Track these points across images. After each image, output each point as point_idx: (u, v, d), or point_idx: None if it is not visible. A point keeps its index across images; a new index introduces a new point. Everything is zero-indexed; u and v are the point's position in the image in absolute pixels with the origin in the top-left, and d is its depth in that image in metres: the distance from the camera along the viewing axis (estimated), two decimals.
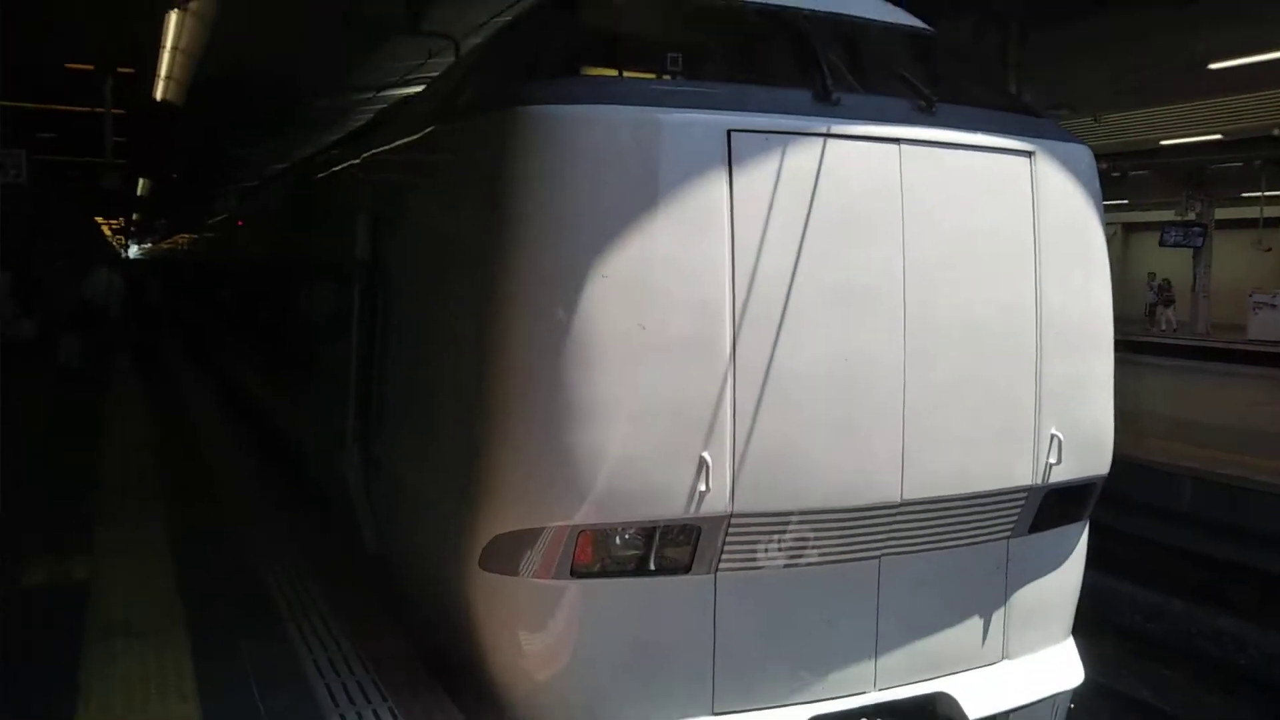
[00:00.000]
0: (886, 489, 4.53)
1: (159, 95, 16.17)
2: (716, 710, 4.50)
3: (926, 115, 4.68)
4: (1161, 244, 30.21)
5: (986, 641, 5.10)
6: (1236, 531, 10.09)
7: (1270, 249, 27.34)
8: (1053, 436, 4.92)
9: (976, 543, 4.96)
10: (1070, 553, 5.44)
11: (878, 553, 4.68)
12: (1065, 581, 5.46)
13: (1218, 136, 19.88)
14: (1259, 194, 26.44)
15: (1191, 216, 30.22)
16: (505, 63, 5.32)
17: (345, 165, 7.61)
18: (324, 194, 8.41)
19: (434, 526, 4.83)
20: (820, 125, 4.41)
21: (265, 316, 10.51)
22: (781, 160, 4.33)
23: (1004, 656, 5.16)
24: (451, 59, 16.64)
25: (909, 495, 4.57)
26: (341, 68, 18.57)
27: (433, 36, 15.66)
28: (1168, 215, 31.72)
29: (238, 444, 10.94)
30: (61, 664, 4.94)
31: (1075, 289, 5.05)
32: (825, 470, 4.43)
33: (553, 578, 4.29)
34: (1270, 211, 27.51)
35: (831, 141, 4.41)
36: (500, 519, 4.25)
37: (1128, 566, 10.90)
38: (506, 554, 4.28)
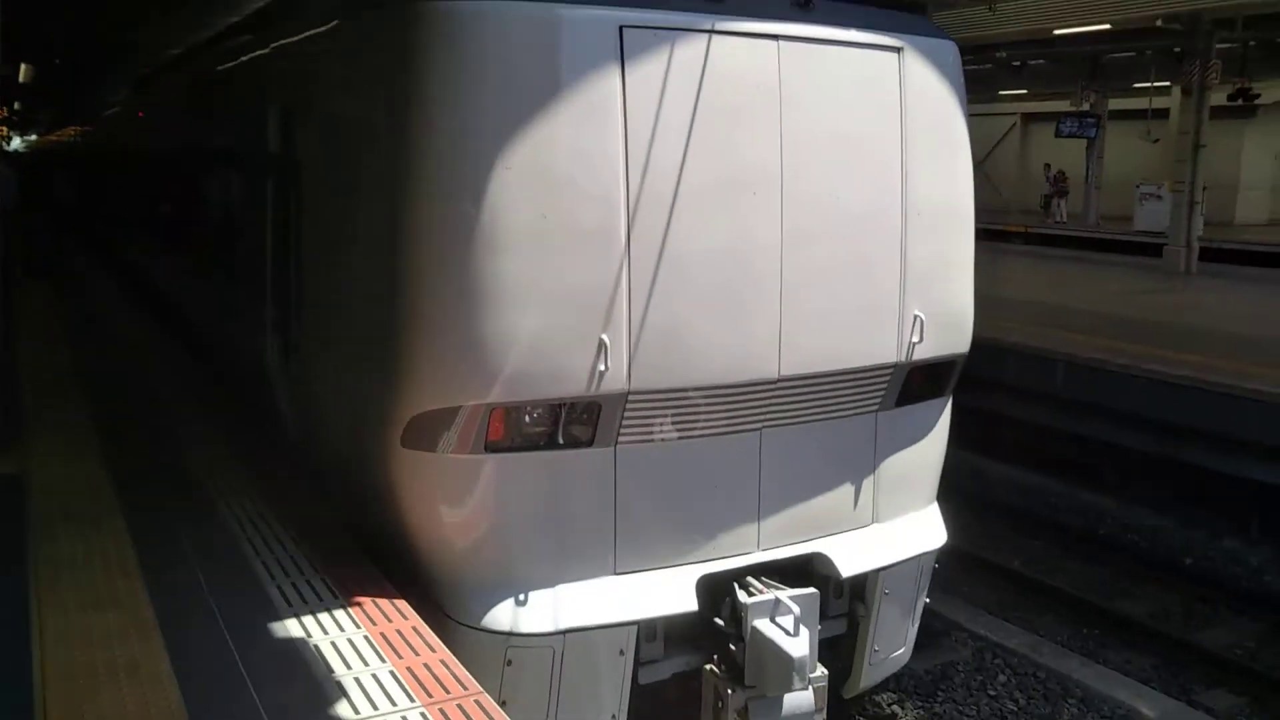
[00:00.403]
0: (766, 366, 5.06)
1: None
2: (618, 570, 5.06)
3: (804, 12, 5.07)
4: (1057, 134, 30.99)
5: (858, 506, 5.72)
6: (1101, 410, 11.00)
7: (1158, 140, 28.35)
8: (916, 316, 5.48)
9: (847, 416, 5.54)
10: (934, 426, 6.06)
11: (759, 425, 5.24)
12: (929, 452, 6.10)
13: (1106, 26, 20.47)
14: (1149, 84, 27.16)
15: (1086, 107, 31.17)
16: None
17: (252, 55, 7.67)
18: (231, 83, 8.45)
19: (356, 410, 5.21)
20: (706, 22, 4.79)
21: (175, 210, 10.54)
22: (670, 55, 4.71)
23: (874, 520, 5.80)
24: None
25: (785, 371, 5.11)
26: None
27: None
28: (1065, 106, 32.57)
29: (151, 337, 11.03)
30: (8, 549, 5.25)
31: (938, 178, 5.55)
32: (712, 350, 4.93)
33: (469, 453, 4.75)
34: (1160, 103, 28.30)
35: (716, 38, 4.79)
36: (419, 400, 4.67)
37: (1004, 445, 11.87)
38: (426, 432, 4.71)
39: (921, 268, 5.50)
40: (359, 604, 4.69)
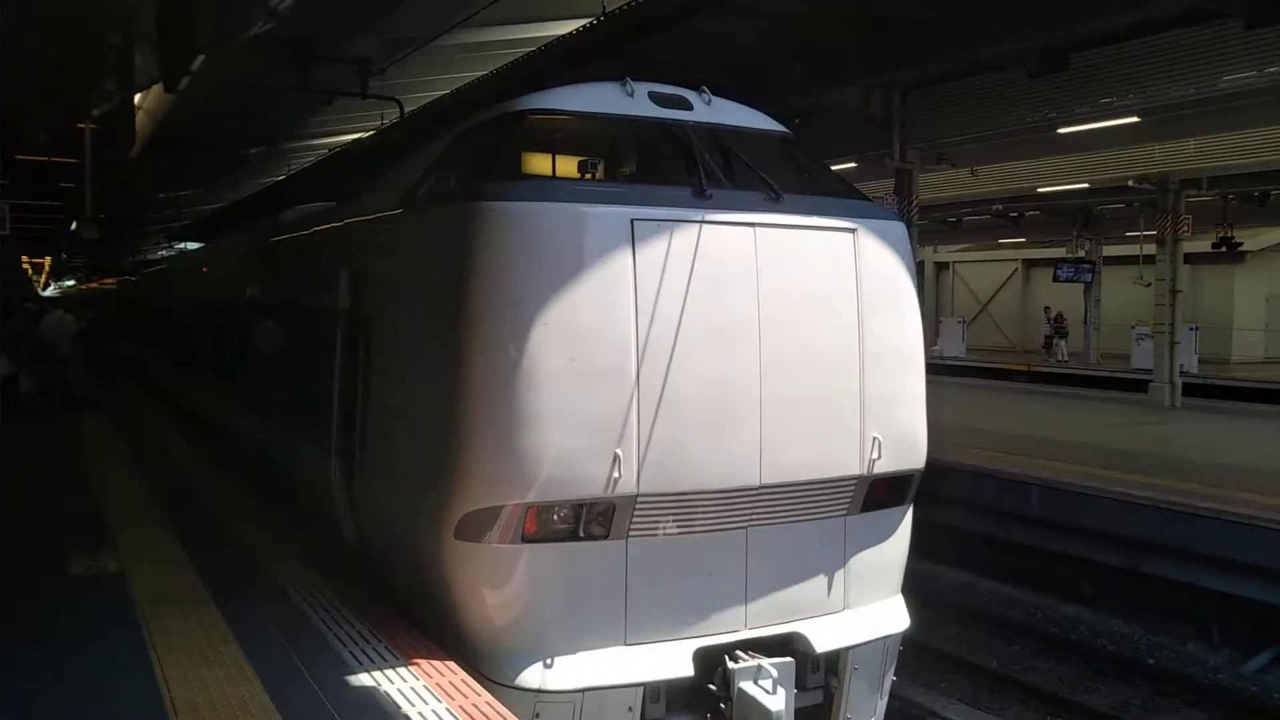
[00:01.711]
0: (749, 476, 6.24)
1: (133, 153, 17.39)
2: (628, 641, 6.13)
3: (775, 204, 6.46)
4: (1055, 280, 32.61)
5: (831, 594, 6.79)
6: (1074, 529, 12.03)
7: (1150, 284, 29.84)
8: (874, 438, 6.65)
9: (820, 518, 6.67)
10: (896, 529, 7.15)
11: (745, 524, 6.38)
12: (893, 551, 7.18)
13: (1085, 185, 22.21)
14: (1139, 233, 28.77)
15: (1081, 254, 32.84)
16: (465, 164, 6.96)
17: (326, 229, 9.18)
18: (303, 252, 9.94)
19: (418, 510, 6.37)
20: (698, 214, 6.17)
21: (245, 355, 11.91)
22: (670, 239, 6.08)
23: (845, 606, 6.85)
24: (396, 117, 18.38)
25: (766, 480, 6.29)
26: (292, 123, 20.04)
27: (381, 99, 17.29)
28: (1063, 253, 34.24)
29: (212, 462, 12.32)
30: (128, 624, 6.39)
31: (889, 328, 6.81)
32: (704, 462, 6.12)
33: (509, 543, 5.92)
34: (1150, 250, 29.81)
35: (706, 226, 6.17)
36: (470, 499, 5.86)
37: (986, 561, 12.89)
38: (475, 526, 5.89)
39: (878, 399, 6.69)
40: (417, 663, 5.79)
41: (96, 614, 6.63)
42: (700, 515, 6.25)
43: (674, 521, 6.20)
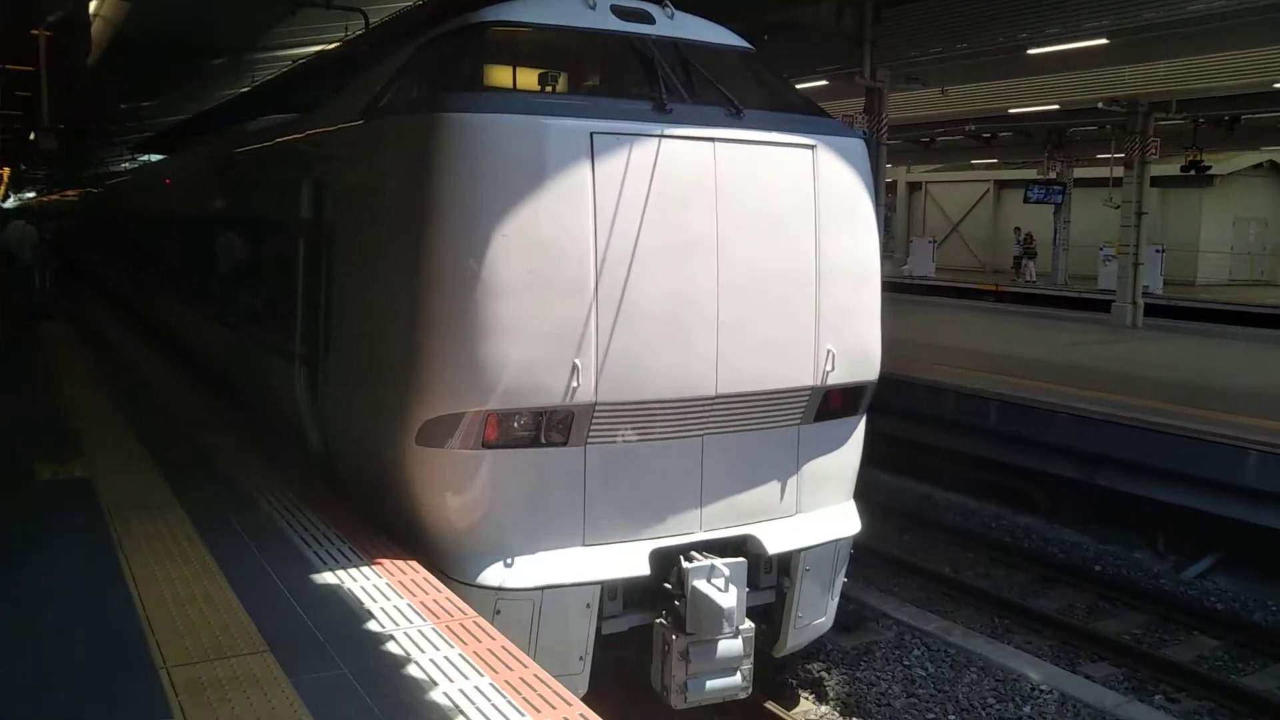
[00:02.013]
0: (705, 385, 6.38)
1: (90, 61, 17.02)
2: (586, 542, 6.34)
3: (735, 119, 6.49)
4: (1025, 201, 32.78)
5: (784, 500, 7.00)
6: (1030, 442, 12.37)
7: (1118, 206, 30.04)
8: (828, 350, 6.80)
9: (774, 427, 6.86)
10: (849, 438, 7.35)
11: (701, 432, 6.54)
12: (846, 459, 7.39)
13: (1055, 106, 22.20)
14: (1110, 155, 28.83)
15: (1053, 175, 32.94)
16: (426, 75, 6.93)
17: (289, 140, 9.12)
18: (266, 163, 9.88)
19: (380, 418, 6.48)
20: (656, 128, 6.21)
21: (210, 263, 11.88)
22: (629, 153, 6.12)
23: (798, 511, 7.07)
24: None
25: (721, 390, 6.43)
26: (254, 32, 19.65)
27: (344, 10, 16.97)
28: (1035, 174, 34.31)
29: (178, 370, 12.39)
30: (96, 528, 6.51)
31: (846, 245, 6.91)
32: (662, 372, 6.26)
33: (470, 449, 6.06)
34: (1120, 172, 29.92)
35: (665, 140, 6.21)
36: (432, 407, 5.99)
37: (946, 475, 13.24)
38: (436, 433, 6.02)
39: (832, 313, 6.81)
40: (380, 563, 5.96)
41: (64, 518, 6.74)
42: (657, 423, 6.41)
43: (631, 429, 6.35)
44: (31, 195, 66.54)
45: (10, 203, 62.49)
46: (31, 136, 25.77)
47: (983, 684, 7.97)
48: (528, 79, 7.22)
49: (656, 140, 6.17)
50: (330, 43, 20.62)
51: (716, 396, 6.45)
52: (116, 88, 24.35)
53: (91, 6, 16.15)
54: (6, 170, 51.47)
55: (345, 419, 7.19)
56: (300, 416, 7.85)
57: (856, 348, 7.05)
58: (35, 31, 16.46)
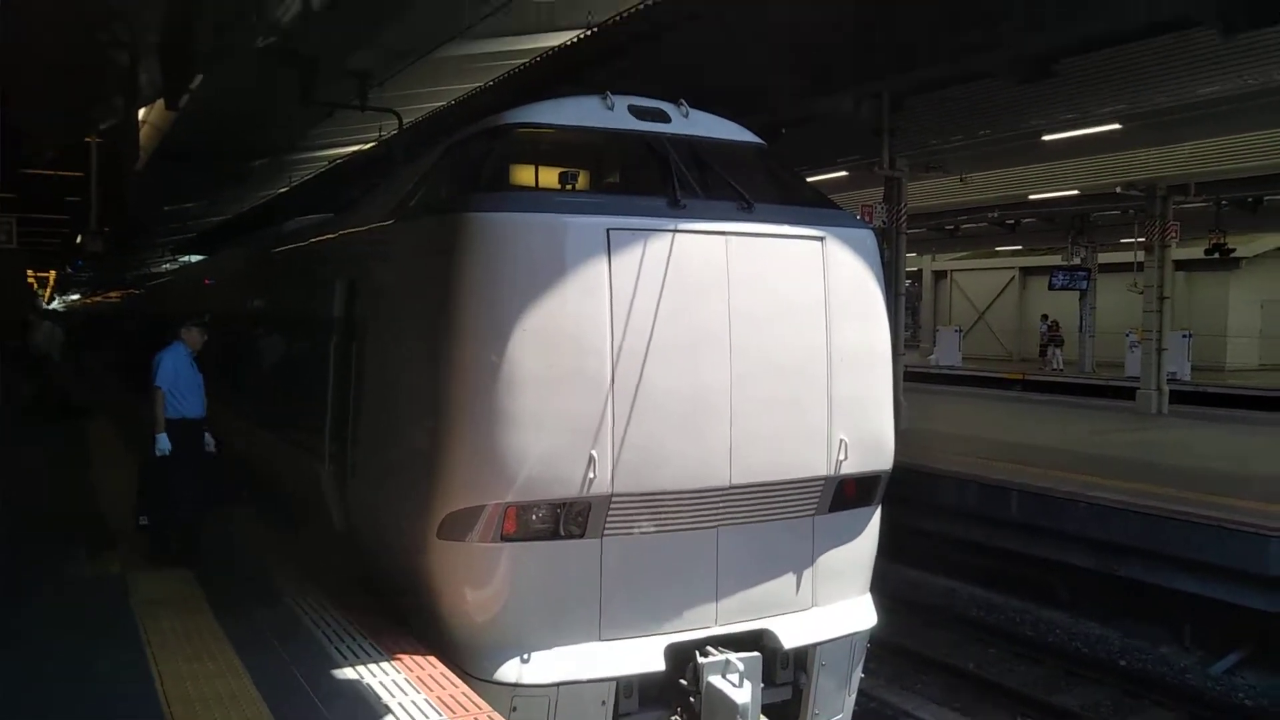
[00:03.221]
0: (719, 475, 6.49)
1: (138, 166, 17.75)
2: (603, 637, 6.39)
3: (747, 213, 6.74)
4: (1050, 287, 32.76)
5: (799, 592, 7.03)
6: (1050, 533, 12.30)
7: (1143, 291, 30.08)
8: (841, 440, 6.92)
9: (789, 518, 6.93)
10: (864, 529, 7.40)
11: (716, 524, 6.64)
12: (861, 550, 7.42)
13: (1075, 191, 22.49)
14: (1133, 240, 28.91)
15: (1077, 261, 33.04)
16: (454, 176, 7.26)
17: (323, 239, 9.49)
18: (301, 262, 10.25)
19: (403, 510, 6.64)
20: (670, 224, 6.45)
21: (241, 358, 12.23)
22: (645, 247, 6.36)
23: (814, 604, 7.08)
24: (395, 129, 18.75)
25: (735, 481, 6.54)
26: (293, 135, 20.45)
27: (380, 111, 17.67)
28: (1060, 260, 34.41)
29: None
30: (125, 624, 6.67)
31: (857, 334, 7.06)
32: (676, 463, 6.39)
33: (490, 542, 6.19)
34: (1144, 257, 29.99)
35: (679, 235, 6.45)
36: (453, 500, 6.14)
37: (967, 568, 13.17)
38: (457, 526, 6.17)
39: (845, 402, 6.94)
40: (399, 658, 6.08)
41: (96, 614, 6.91)
42: (673, 515, 6.51)
43: (648, 521, 6.46)
44: (75, 297, 68.29)
45: (55, 304, 64.09)
46: (78, 240, 26.71)
47: None
48: (549, 177, 7.53)
49: (670, 235, 6.41)
50: (365, 143, 21.41)
51: (731, 487, 6.56)
52: (161, 191, 25.30)
53: (140, 114, 16.92)
54: (53, 273, 53.02)
55: (371, 513, 7.35)
56: (327, 511, 8.03)
57: (869, 436, 7.15)
58: (87, 139, 17.25)
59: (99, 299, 53.30)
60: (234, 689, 5.60)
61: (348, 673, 5.85)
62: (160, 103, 15.93)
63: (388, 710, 5.30)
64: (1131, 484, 12.42)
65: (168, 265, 41.67)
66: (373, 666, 5.94)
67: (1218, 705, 9.78)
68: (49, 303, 60.82)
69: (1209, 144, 18.61)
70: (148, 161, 18.68)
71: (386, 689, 5.60)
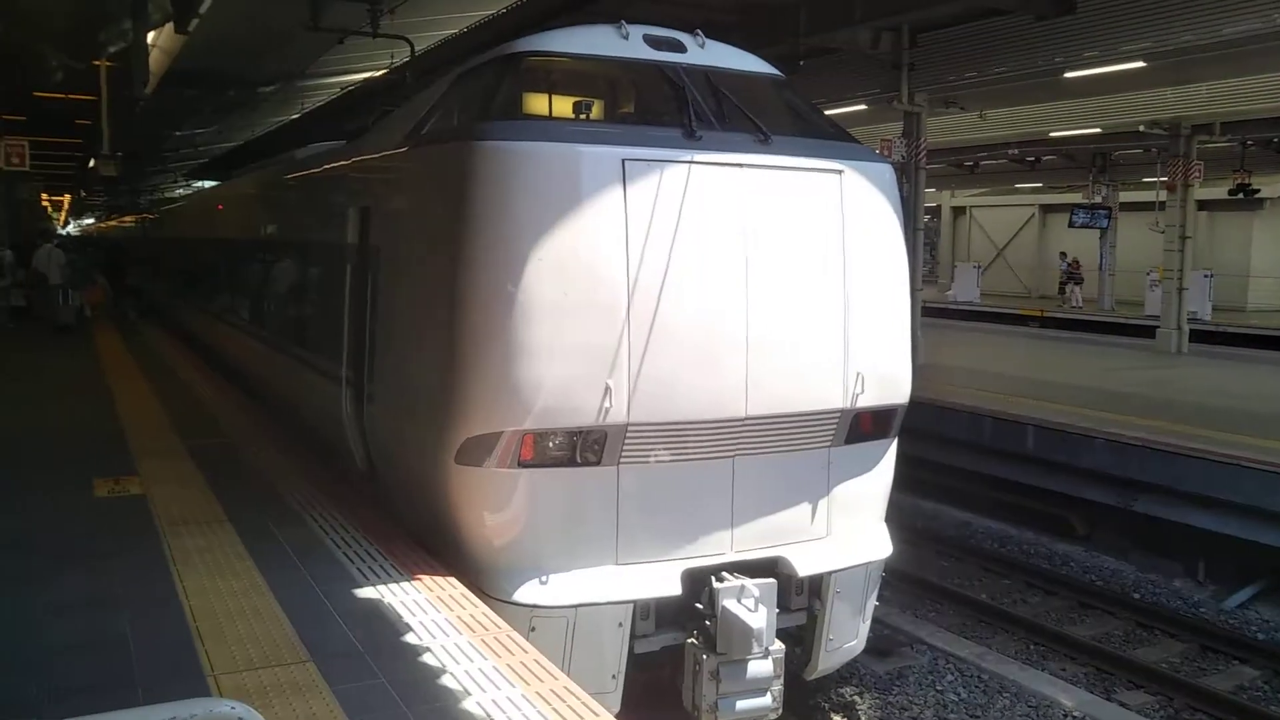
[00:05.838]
0: (735, 406, 6.51)
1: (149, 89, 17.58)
2: (619, 561, 6.47)
3: (763, 145, 6.65)
4: (1070, 225, 32.48)
5: (814, 522, 7.08)
6: (1066, 468, 12.33)
7: (1164, 230, 29.73)
8: (857, 373, 6.91)
9: (805, 449, 6.95)
10: (880, 460, 7.42)
11: (732, 453, 6.66)
12: (877, 482, 7.45)
13: (1097, 130, 22.14)
14: (1155, 179, 28.50)
15: (1098, 199, 32.65)
16: (466, 104, 7.18)
17: (336, 166, 9.43)
18: (314, 189, 10.20)
19: (421, 438, 6.70)
20: (686, 155, 6.38)
21: (258, 284, 12.26)
22: (660, 179, 6.30)
23: (828, 534, 7.14)
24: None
25: (751, 411, 6.56)
26: (303, 61, 20.21)
27: (392, 38, 17.41)
28: (1080, 198, 34.00)
29: (225, 379, 12.73)
30: (150, 542, 6.76)
31: (874, 268, 7.02)
32: (693, 393, 6.40)
33: (507, 468, 6.23)
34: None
35: (695, 166, 6.38)
36: (470, 427, 6.17)
37: (983, 501, 13.23)
38: (474, 452, 6.21)
39: (861, 335, 6.92)
40: (420, 578, 6.15)
41: (121, 532, 7.01)
42: (688, 444, 6.54)
43: (664, 450, 6.49)
44: (89, 221, 68.35)
45: (70, 228, 64.23)
46: (91, 164, 26.67)
47: (1015, 710, 7.98)
48: (563, 107, 7.44)
49: (686, 166, 6.35)
50: (377, 68, 21.15)
51: (747, 418, 6.58)
52: (172, 116, 25.14)
53: (150, 37, 16.72)
54: (67, 197, 53.08)
55: (388, 438, 7.40)
56: (346, 435, 8.08)
57: (886, 370, 7.13)
58: (96, 62, 17.10)
59: (114, 223, 53.33)
60: (257, 605, 5.68)
61: (368, 592, 5.92)
62: (169, 27, 15.76)
63: (408, 628, 5.38)
64: (1148, 420, 12.41)
65: (182, 191, 41.56)
66: (394, 586, 6.01)
67: (1230, 638, 9.86)
68: (64, 226, 60.91)
69: (1234, 84, 18.25)
70: (157, 86, 18.51)
71: (407, 608, 5.68)
